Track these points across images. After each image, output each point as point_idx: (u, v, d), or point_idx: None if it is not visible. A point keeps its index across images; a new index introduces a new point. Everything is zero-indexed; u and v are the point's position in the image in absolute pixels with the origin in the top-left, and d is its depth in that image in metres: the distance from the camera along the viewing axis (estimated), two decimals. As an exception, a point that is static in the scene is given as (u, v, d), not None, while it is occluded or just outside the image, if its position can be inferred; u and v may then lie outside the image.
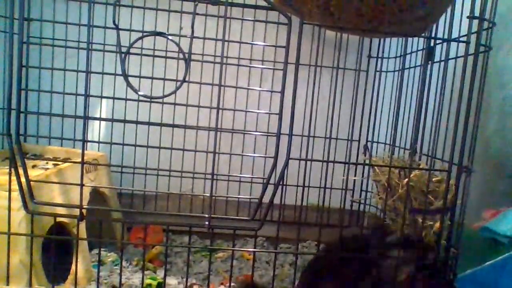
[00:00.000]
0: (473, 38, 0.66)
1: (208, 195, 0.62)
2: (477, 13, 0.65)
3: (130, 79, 0.58)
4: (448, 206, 0.67)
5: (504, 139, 0.94)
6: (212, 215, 0.61)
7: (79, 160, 0.61)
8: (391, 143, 0.99)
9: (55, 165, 0.82)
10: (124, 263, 0.92)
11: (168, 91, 0.60)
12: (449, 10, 0.70)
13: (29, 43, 0.97)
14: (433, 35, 0.74)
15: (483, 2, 0.65)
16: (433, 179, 0.73)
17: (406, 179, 0.68)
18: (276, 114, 0.62)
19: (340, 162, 0.68)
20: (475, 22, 0.65)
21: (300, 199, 0.79)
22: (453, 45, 0.69)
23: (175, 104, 0.65)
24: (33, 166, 0.83)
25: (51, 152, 0.95)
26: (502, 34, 0.95)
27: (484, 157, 0.97)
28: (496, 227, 0.74)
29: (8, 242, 0.63)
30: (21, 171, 0.60)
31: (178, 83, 0.59)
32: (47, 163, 0.85)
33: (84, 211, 0.62)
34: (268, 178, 0.61)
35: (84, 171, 0.62)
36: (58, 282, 0.76)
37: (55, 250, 0.66)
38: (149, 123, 0.68)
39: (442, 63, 0.69)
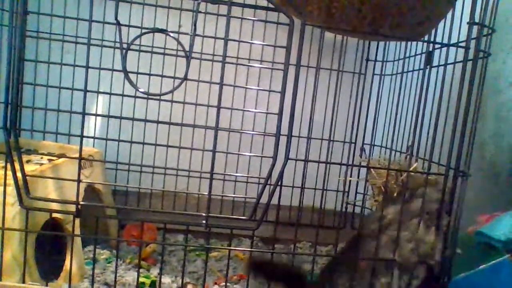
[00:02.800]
0: (473, 43, 0.66)
1: (205, 193, 0.62)
2: (477, 19, 0.65)
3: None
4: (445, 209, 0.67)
5: (499, 144, 0.95)
6: (209, 214, 0.61)
7: (74, 155, 0.61)
8: (388, 146, 1.00)
9: (50, 160, 0.81)
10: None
11: (165, 88, 0.60)
12: (449, 15, 0.71)
13: (26, 37, 0.96)
14: (432, 39, 0.74)
15: (483, 9, 0.66)
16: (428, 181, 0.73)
17: (403, 176, 0.69)
18: (275, 114, 0.62)
19: (340, 164, 0.68)
20: (475, 27, 0.66)
21: (296, 200, 0.79)
22: (452, 50, 0.70)
23: (172, 101, 0.65)
24: (27, 161, 0.82)
25: (45, 147, 0.94)
26: (498, 41, 0.96)
27: (479, 162, 0.98)
28: (490, 231, 0.75)
29: (2, 237, 0.62)
30: (16, 165, 0.59)
31: (177, 81, 0.59)
32: (41, 158, 0.84)
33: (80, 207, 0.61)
34: (266, 178, 0.61)
35: (80, 167, 0.62)
36: (51, 278, 0.76)
37: (49, 246, 0.65)
38: (146, 120, 0.68)
39: (441, 67, 0.70)
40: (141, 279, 0.82)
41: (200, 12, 0.58)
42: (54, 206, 0.70)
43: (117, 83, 0.89)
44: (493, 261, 0.70)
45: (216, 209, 1.11)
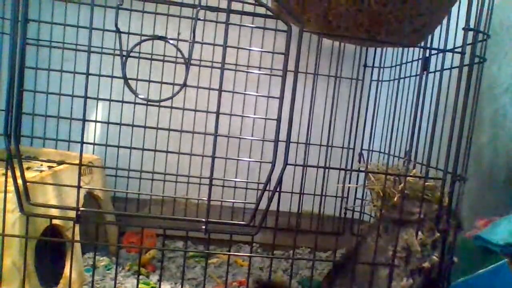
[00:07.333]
0: (468, 49, 0.67)
1: (204, 199, 0.62)
2: (472, 25, 0.66)
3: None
4: (442, 214, 0.68)
5: (496, 149, 0.96)
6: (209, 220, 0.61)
7: (74, 162, 0.61)
8: (386, 151, 1.00)
9: (50, 167, 0.82)
10: (116, 268, 0.92)
11: (165, 95, 0.60)
12: (444, 21, 0.72)
13: (27, 44, 0.97)
14: (428, 45, 0.75)
15: (478, 15, 0.67)
16: (426, 186, 0.73)
17: (402, 185, 0.69)
18: (273, 119, 0.63)
19: (339, 169, 0.69)
20: (470, 33, 0.66)
21: (295, 206, 0.79)
22: (448, 55, 0.70)
23: (171, 107, 0.65)
24: (27, 168, 0.82)
25: (45, 155, 0.94)
26: (494, 48, 0.97)
27: (476, 167, 0.98)
28: (488, 236, 0.75)
29: (2, 244, 0.62)
30: (17, 172, 0.59)
31: (177, 88, 0.59)
32: (41, 165, 0.84)
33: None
34: (265, 184, 0.61)
35: (80, 174, 0.62)
36: (50, 285, 0.75)
37: (48, 253, 0.65)
38: (145, 127, 0.68)
39: (438, 73, 0.71)
40: (141, 286, 0.82)
41: (199, 19, 0.59)
42: (54, 213, 0.70)
43: (117, 90, 0.90)
44: (492, 265, 0.70)
45: (216, 215, 1.11)
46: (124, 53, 0.58)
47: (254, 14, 0.68)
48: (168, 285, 0.87)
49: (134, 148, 0.69)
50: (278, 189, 0.63)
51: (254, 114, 1.12)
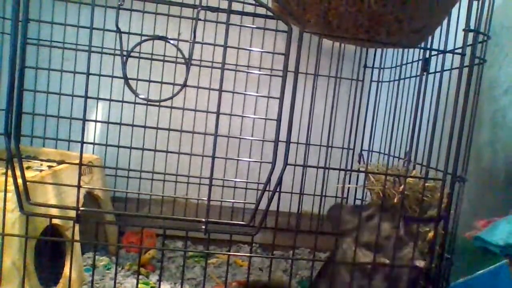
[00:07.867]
0: (468, 50, 0.67)
1: (204, 199, 0.62)
2: (472, 26, 0.66)
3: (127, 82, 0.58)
4: (442, 215, 0.68)
5: (495, 150, 0.96)
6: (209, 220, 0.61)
7: (74, 162, 0.61)
8: (386, 152, 1.00)
9: (49, 167, 0.82)
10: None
11: (165, 95, 0.60)
12: (445, 22, 0.72)
13: (27, 44, 0.97)
14: (429, 46, 0.75)
15: (478, 16, 0.67)
16: (426, 187, 0.74)
17: (402, 186, 0.69)
18: (273, 120, 0.63)
19: (339, 169, 0.69)
20: (471, 34, 0.67)
21: (295, 206, 0.79)
22: (448, 56, 0.70)
23: (171, 107, 0.65)
24: (27, 168, 0.82)
25: (45, 154, 0.94)
26: (494, 48, 0.97)
27: (475, 168, 0.98)
28: (488, 237, 0.75)
29: (2, 244, 0.62)
30: (17, 172, 0.59)
31: (177, 88, 0.59)
32: (41, 164, 0.84)
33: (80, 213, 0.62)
34: (265, 184, 0.61)
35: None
36: (50, 285, 0.75)
37: (48, 253, 0.65)
38: (145, 126, 0.68)
39: (438, 74, 0.71)
40: (140, 286, 0.82)
41: (200, 19, 0.59)
42: (54, 212, 0.70)
43: (117, 89, 0.90)
44: (491, 266, 0.70)
45: (215, 215, 1.11)
46: (125, 53, 0.58)
47: (254, 15, 0.68)
48: (167, 285, 0.87)
49: (134, 148, 0.69)
50: (278, 189, 0.63)
51: (254, 114, 1.12)
